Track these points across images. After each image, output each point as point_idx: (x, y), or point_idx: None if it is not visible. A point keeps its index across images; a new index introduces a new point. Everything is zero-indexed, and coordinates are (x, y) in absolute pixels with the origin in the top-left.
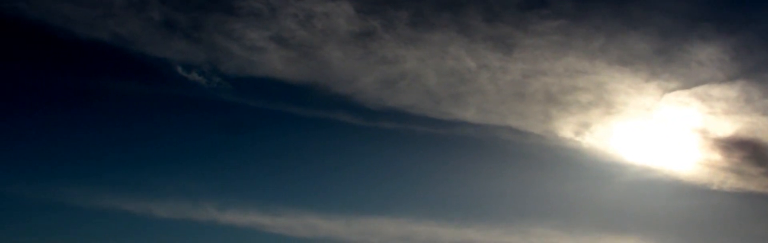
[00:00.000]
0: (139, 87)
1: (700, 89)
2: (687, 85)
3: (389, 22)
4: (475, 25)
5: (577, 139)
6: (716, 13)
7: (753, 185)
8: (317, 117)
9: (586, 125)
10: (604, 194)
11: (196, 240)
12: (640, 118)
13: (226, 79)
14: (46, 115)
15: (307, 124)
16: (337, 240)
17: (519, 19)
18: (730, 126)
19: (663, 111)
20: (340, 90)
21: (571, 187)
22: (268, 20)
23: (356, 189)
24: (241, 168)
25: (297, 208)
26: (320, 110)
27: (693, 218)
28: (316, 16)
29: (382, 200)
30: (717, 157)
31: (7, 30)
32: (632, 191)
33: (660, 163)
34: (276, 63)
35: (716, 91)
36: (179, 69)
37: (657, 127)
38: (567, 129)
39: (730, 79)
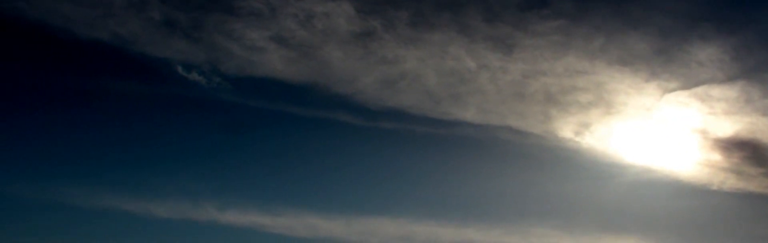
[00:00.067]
0: (139, 87)
1: (700, 89)
2: (687, 85)
3: (389, 22)
4: (475, 25)
5: (577, 139)
6: (716, 13)
7: (753, 185)
8: (317, 117)
9: (585, 125)
10: (604, 194)
11: (196, 240)
12: (640, 118)
13: (226, 79)
14: (46, 115)
15: (307, 124)
16: (337, 240)
17: (519, 19)
18: (730, 126)
19: (663, 111)
20: (340, 90)
21: (571, 187)
22: (268, 20)
23: (356, 189)
24: (241, 168)
25: (297, 208)
26: (320, 110)
27: (693, 218)
28: (316, 16)
29: (382, 200)
30: (717, 157)
31: (7, 30)
32: (632, 191)
33: (660, 164)
34: (276, 63)
35: (716, 91)
36: (179, 69)
37: (657, 127)
38: (567, 129)
39: (730, 79)
